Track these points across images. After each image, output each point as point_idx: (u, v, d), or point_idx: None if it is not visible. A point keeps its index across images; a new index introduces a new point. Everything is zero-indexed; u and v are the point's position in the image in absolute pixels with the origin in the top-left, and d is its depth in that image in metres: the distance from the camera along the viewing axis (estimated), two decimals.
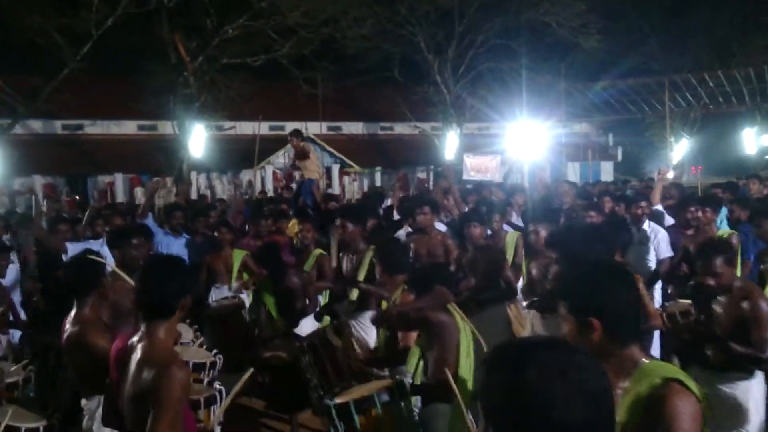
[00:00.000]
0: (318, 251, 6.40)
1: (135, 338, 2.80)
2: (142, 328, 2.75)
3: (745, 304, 3.64)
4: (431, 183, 24.11)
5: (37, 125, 23.75)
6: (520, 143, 20.14)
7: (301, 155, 10.50)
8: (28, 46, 19.02)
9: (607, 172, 27.96)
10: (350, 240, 5.90)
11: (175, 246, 7.19)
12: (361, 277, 5.45)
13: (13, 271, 6.34)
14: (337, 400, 3.59)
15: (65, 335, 3.60)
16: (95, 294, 3.68)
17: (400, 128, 28.80)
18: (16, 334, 5.87)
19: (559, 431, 1.17)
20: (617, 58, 25.49)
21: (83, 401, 3.62)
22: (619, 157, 31.64)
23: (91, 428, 3.52)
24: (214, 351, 4.06)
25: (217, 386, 3.60)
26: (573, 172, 26.46)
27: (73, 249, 6.35)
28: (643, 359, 1.95)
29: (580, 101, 25.48)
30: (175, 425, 2.52)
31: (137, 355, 2.69)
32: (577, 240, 2.82)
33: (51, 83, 19.87)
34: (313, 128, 26.61)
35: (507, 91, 23.99)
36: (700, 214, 6.00)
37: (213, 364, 3.86)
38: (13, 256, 6.53)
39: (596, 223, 6.25)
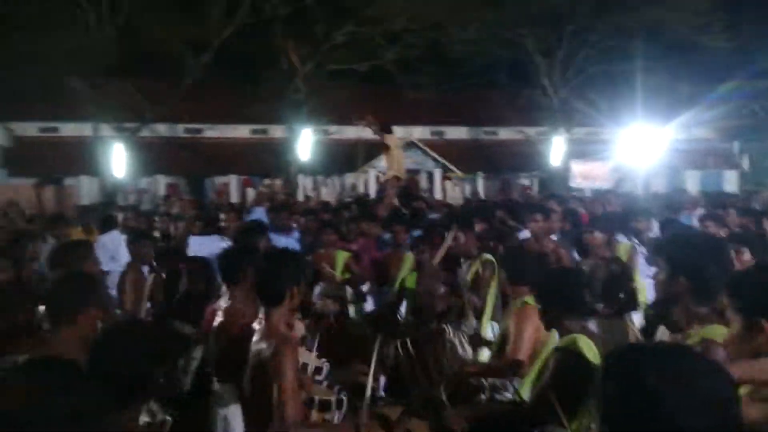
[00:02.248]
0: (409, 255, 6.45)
1: (255, 323, 3.13)
2: (260, 313, 3.08)
3: None
4: (536, 190, 23.58)
5: (162, 129, 25.48)
6: (633, 149, 19.34)
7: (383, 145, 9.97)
8: (155, 54, 20.52)
9: (730, 181, 26.12)
10: (463, 247, 5.89)
11: (285, 243, 7.60)
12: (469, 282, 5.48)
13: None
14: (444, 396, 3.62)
15: (215, 323, 3.83)
16: (246, 284, 3.84)
17: (504, 133, 28.33)
18: None
19: None
20: (745, 59, 23.78)
21: (216, 385, 3.72)
22: (745, 166, 29.43)
23: (224, 415, 3.65)
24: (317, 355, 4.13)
25: (342, 396, 3.62)
26: (692, 181, 25.00)
27: (196, 242, 6.89)
28: None
29: (701, 105, 24.04)
30: (296, 395, 2.80)
31: (256, 337, 3.03)
32: (691, 246, 2.70)
33: (175, 89, 21.37)
34: (417, 133, 26.75)
35: (619, 95, 22.98)
36: None
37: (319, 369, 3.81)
38: None
39: (711, 235, 5.89)
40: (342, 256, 6.82)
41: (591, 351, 3.02)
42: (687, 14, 22.22)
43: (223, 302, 3.93)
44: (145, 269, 6.00)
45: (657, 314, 4.43)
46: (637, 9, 22.27)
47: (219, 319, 3.84)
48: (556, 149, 22.90)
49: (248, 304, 3.81)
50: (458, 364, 4.47)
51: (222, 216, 8.94)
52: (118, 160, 19.52)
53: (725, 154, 28.40)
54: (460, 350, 4.97)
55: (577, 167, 18.74)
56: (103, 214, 9.04)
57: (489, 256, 5.51)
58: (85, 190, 21.64)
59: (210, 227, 8.02)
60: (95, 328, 2.76)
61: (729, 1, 22.17)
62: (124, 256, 6.47)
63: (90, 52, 19.19)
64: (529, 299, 3.91)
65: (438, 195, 22.15)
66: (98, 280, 3.08)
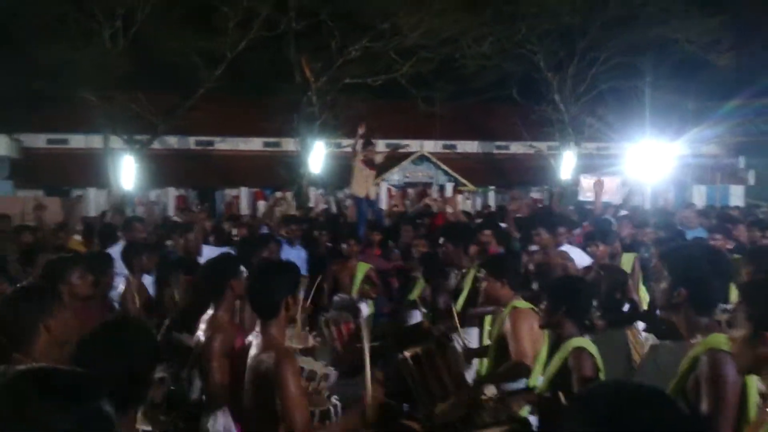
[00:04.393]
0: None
1: (251, 336, 3.07)
2: (257, 326, 3.02)
3: None
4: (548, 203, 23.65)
5: (172, 140, 25.47)
6: (642, 164, 19.48)
7: (369, 161, 9.58)
8: (168, 66, 20.54)
9: (737, 196, 26.30)
10: (451, 257, 5.99)
11: (290, 256, 7.62)
12: (464, 294, 5.54)
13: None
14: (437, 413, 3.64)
15: (201, 338, 3.79)
16: (229, 294, 3.84)
17: (516, 147, 28.50)
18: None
19: None
20: (752, 76, 24.04)
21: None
22: (751, 181, 29.65)
23: (216, 429, 3.66)
24: (325, 363, 4.18)
25: (334, 400, 3.69)
26: (699, 196, 25.15)
27: (209, 252, 6.91)
28: None
29: (708, 121, 24.26)
30: (303, 405, 2.77)
31: (254, 350, 2.96)
32: (693, 257, 2.78)
33: (187, 102, 21.41)
34: (429, 146, 26.87)
35: (628, 111, 23.20)
36: None
37: (326, 376, 3.97)
38: None
39: (712, 246, 5.97)
40: (363, 268, 6.90)
41: (596, 352, 3.28)
42: (695, 33, 22.50)
43: (208, 314, 3.87)
44: (149, 279, 5.99)
45: (659, 324, 4.53)
46: (647, 27, 22.54)
47: (203, 330, 3.79)
48: (566, 164, 23.02)
49: (231, 317, 3.87)
50: (473, 377, 4.52)
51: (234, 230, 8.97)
52: (127, 172, 19.49)
53: (731, 169, 28.59)
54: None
55: (587, 182, 18.86)
56: (105, 225, 8.86)
57: None
58: (93, 202, 21.57)
59: (222, 240, 8.08)
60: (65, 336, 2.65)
61: (735, 21, 22.45)
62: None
63: (102, 63, 19.24)
64: (518, 303, 4.08)
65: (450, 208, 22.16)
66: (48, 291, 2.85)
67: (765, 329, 1.92)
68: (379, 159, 9.83)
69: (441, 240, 6.22)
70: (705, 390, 2.40)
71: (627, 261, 6.28)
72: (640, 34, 22.52)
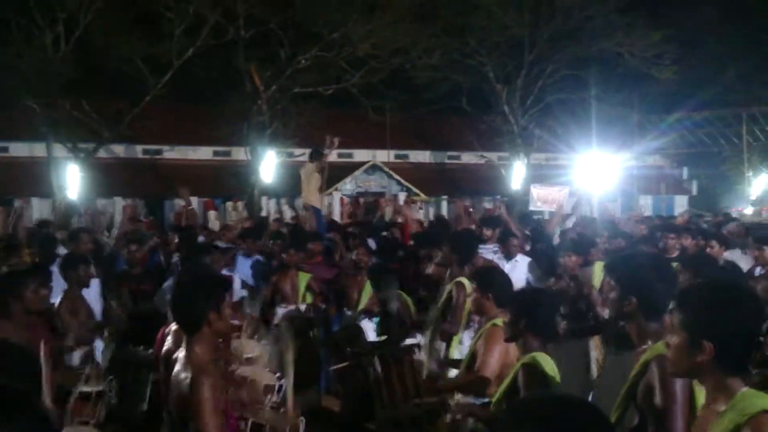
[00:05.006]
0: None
1: (180, 350, 2.94)
2: (184, 340, 2.90)
3: None
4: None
5: (119, 149, 24.90)
6: (590, 175, 19.88)
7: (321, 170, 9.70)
8: (113, 73, 20.12)
9: (681, 206, 27.14)
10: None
11: (244, 265, 7.60)
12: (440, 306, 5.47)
13: (95, 284, 6.61)
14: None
15: (165, 347, 3.70)
16: None
17: (467, 157, 28.82)
18: (99, 346, 6.11)
19: None
20: (693, 90, 24.90)
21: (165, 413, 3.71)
22: (694, 191, 30.69)
23: None
24: (278, 374, 4.10)
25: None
26: (645, 206, 25.83)
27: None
28: (744, 388, 1.91)
29: (653, 133, 24.98)
30: (216, 425, 2.66)
31: (177, 366, 2.86)
32: (638, 266, 2.80)
33: (134, 109, 20.92)
34: (381, 156, 26.91)
35: (576, 122, 23.71)
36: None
37: (279, 386, 3.81)
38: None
39: (656, 254, 6.06)
40: (304, 278, 6.82)
41: (549, 366, 3.24)
42: (638, 47, 23.17)
43: (173, 325, 3.77)
44: (93, 293, 5.83)
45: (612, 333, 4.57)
46: (592, 41, 23.11)
47: (167, 343, 3.69)
48: (516, 174, 23.35)
49: None
50: (428, 383, 4.49)
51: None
52: (72, 181, 18.92)
53: (676, 180, 29.52)
54: (430, 369, 4.99)
55: (536, 191, 19.13)
56: (46, 236, 8.55)
57: (462, 279, 5.33)
58: (36, 212, 20.86)
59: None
60: None
61: (678, 36, 23.22)
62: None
63: (43, 69, 18.69)
64: (498, 321, 3.96)
65: (401, 218, 22.19)
66: None
67: (701, 337, 1.90)
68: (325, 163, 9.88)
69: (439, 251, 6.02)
70: (658, 394, 2.43)
71: (599, 268, 6.28)
72: (586, 48, 23.11)
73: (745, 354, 1.92)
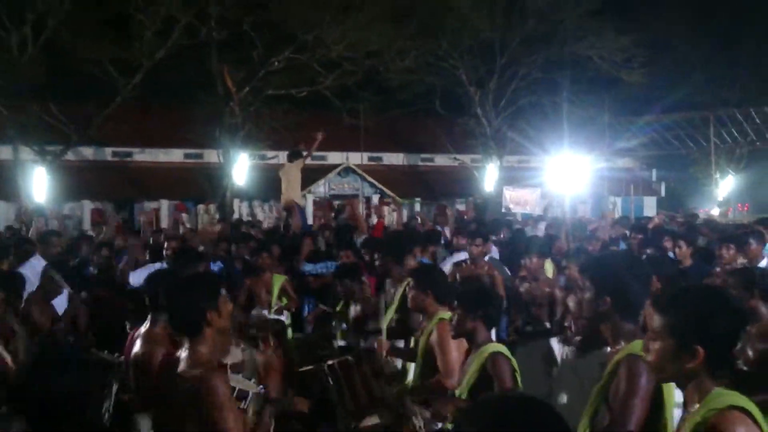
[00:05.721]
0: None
1: (181, 351, 2.87)
2: (185, 343, 2.86)
3: None
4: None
5: (88, 152, 24.53)
6: (561, 177, 20.06)
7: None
8: (82, 75, 19.76)
9: (650, 207, 27.54)
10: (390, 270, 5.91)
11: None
12: (395, 305, 5.48)
13: (64, 292, 6.50)
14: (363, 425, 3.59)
15: (134, 350, 3.67)
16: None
17: (441, 160, 28.91)
18: None
19: None
20: (662, 92, 25.29)
21: (138, 416, 3.66)
22: (663, 193, 31.16)
23: None
24: (253, 380, 4.03)
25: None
26: (615, 207, 26.13)
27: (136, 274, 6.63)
28: (716, 388, 1.92)
29: (623, 135, 25.27)
30: (237, 422, 2.66)
31: (181, 366, 2.79)
32: (612, 266, 2.81)
33: (103, 112, 20.60)
34: (354, 158, 26.86)
35: (548, 125, 23.91)
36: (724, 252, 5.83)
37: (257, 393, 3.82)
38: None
39: (630, 253, 6.14)
40: (278, 280, 6.80)
41: (512, 359, 3.38)
42: (608, 50, 23.51)
43: (143, 328, 3.75)
44: (62, 298, 5.76)
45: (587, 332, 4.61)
46: (563, 44, 23.39)
47: (138, 345, 3.66)
48: (489, 176, 23.48)
49: (168, 331, 3.67)
50: (396, 389, 4.46)
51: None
52: (39, 184, 18.56)
53: (645, 182, 29.91)
54: (395, 368, 5.04)
55: (509, 193, 19.26)
56: (12, 241, 8.44)
57: (443, 315, 5.44)
58: (1, 216, 20.46)
59: (155, 256, 7.82)
60: None
61: (647, 39, 23.58)
62: None
63: (9, 71, 18.33)
64: (444, 314, 4.03)
65: (375, 220, 22.18)
66: None
67: (693, 342, 1.90)
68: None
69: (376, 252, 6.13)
70: (620, 392, 2.44)
71: (549, 268, 6.35)
72: (557, 51, 23.38)
73: (730, 357, 1.94)
